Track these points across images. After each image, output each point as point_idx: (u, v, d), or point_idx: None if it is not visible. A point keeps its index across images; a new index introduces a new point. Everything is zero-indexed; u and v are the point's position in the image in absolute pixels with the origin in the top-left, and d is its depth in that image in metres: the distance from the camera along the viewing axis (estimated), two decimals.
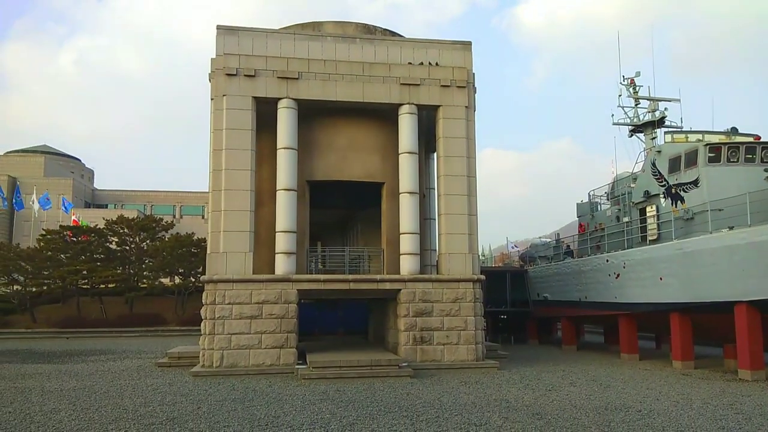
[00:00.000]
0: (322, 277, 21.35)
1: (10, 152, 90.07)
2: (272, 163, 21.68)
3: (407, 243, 21.64)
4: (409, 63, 22.59)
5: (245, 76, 21.29)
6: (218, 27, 22.02)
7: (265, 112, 21.70)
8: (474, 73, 23.19)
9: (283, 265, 20.78)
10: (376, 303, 25.56)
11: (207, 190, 22.47)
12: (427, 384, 17.17)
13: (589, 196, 32.42)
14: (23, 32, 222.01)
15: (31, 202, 69.64)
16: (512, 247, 50.43)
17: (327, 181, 22.78)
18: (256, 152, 21.40)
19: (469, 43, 23.46)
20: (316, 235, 25.24)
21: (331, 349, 22.45)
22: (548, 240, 39.91)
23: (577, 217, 33.16)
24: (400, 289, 21.16)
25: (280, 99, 21.50)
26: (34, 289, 44.62)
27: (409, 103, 22.14)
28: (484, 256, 48.86)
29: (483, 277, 22.29)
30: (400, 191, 21.99)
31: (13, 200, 73.57)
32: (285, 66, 21.56)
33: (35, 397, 15.08)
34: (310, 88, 21.66)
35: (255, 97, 21.40)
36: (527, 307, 33.49)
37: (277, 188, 21.25)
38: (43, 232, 48.26)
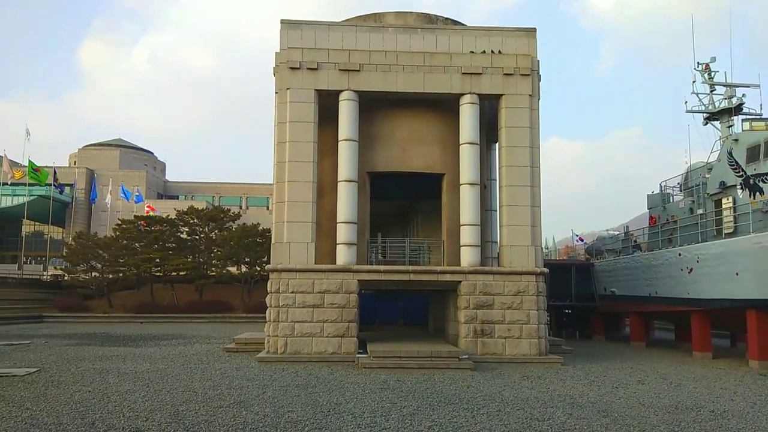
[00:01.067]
0: (382, 267, 21.48)
1: (88, 146, 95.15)
2: (333, 154, 21.94)
3: (468, 234, 21.44)
4: (471, 52, 22.27)
5: (308, 69, 21.60)
6: (282, 21, 22.41)
7: (326, 104, 21.97)
8: (538, 61, 22.60)
9: (344, 255, 21.05)
10: (436, 294, 25.50)
11: (271, 182, 23.03)
12: (488, 377, 17.01)
13: (661, 187, 31.12)
14: (100, 31, 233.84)
15: (108, 194, 73.50)
16: (577, 240, 49.09)
17: (387, 172, 22.84)
18: (318, 144, 21.71)
19: (534, 30, 22.87)
20: (376, 226, 25.39)
21: (391, 340, 22.59)
22: (616, 232, 38.61)
23: (648, 209, 31.88)
24: (461, 281, 21.02)
25: (341, 91, 21.70)
26: (110, 276, 47.16)
27: (470, 93, 21.85)
28: (547, 248, 47.79)
29: (546, 270, 21.81)
30: (461, 182, 21.78)
31: (93, 193, 77.68)
32: (347, 58, 21.73)
33: (112, 378, 15.96)
34: (371, 79, 21.75)
35: (317, 90, 21.69)
36: (593, 301, 32.57)
37: (339, 179, 21.50)
38: (119, 222, 50.84)
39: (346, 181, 21.39)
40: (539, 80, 22.66)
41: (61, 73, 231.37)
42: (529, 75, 22.07)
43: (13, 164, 58.64)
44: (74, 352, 22.22)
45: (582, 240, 48.96)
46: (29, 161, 60.63)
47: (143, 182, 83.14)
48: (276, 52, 22.24)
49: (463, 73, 21.81)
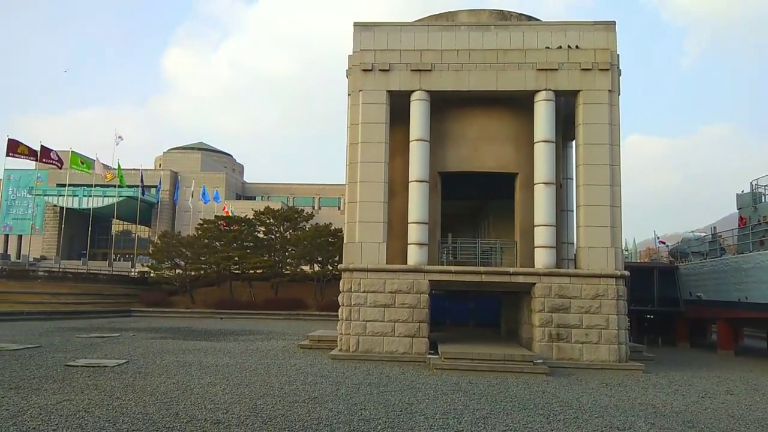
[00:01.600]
0: (453, 268, 21.31)
1: (172, 149, 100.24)
2: (405, 154, 21.99)
3: (542, 235, 20.90)
4: (547, 47, 21.69)
5: (380, 70, 21.76)
6: (355, 24, 22.68)
7: (398, 104, 22.05)
8: (618, 55, 21.72)
9: (415, 255, 21.04)
10: (509, 296, 25.02)
11: (342, 183, 23.36)
12: (564, 383, 16.50)
13: (752, 186, 29.12)
14: (183, 38, 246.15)
15: (190, 195, 77.11)
16: (660, 243, 46.86)
17: (459, 172, 22.64)
18: (390, 144, 21.82)
19: (613, 23, 21.99)
20: (447, 227, 25.19)
21: (463, 341, 22.37)
22: (702, 234, 36.52)
23: (737, 209, 29.95)
24: (535, 283, 20.52)
25: (413, 91, 21.71)
26: (192, 273, 49.38)
27: (546, 89, 21.30)
28: (627, 250, 45.89)
29: (627, 273, 20.89)
30: (535, 182, 21.26)
31: (175, 194, 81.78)
32: (418, 58, 21.72)
33: (194, 371, 16.68)
34: (443, 78, 21.63)
35: (389, 91, 21.80)
36: (677, 306, 30.98)
37: (410, 180, 21.51)
38: (201, 222, 53.17)
39: (417, 181, 21.38)
40: (619, 75, 21.78)
41: (148, 80, 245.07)
42: (608, 70, 21.25)
43: (105, 167, 62.62)
44: (159, 345, 23.42)
45: (664, 242, 46.72)
46: (118, 164, 64.53)
47: (223, 184, 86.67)
48: (349, 55, 22.53)
49: (538, 70, 21.30)
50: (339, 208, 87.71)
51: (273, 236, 50.94)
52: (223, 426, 10.38)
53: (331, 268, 46.25)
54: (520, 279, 20.79)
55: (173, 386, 14.04)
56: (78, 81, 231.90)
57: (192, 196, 76.77)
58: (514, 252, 22.17)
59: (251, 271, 49.27)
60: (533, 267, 20.87)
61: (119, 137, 72.47)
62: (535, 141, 21.44)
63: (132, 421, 10.44)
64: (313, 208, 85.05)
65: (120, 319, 39.62)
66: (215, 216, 56.05)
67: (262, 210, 52.30)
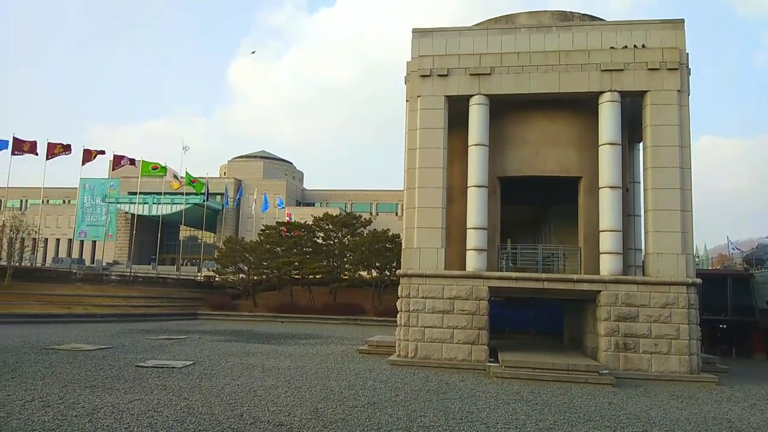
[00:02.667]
0: (513, 275, 20.90)
1: (236, 158, 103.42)
2: (463, 159, 21.80)
3: (608, 241, 20.21)
4: (611, 47, 21.04)
5: (438, 75, 21.70)
6: (414, 30, 22.72)
7: (456, 109, 21.90)
8: (688, 53, 20.82)
9: (473, 261, 20.79)
10: (572, 304, 24.32)
11: (399, 189, 23.39)
12: (632, 395, 15.86)
13: None
14: (248, 49, 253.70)
15: (253, 202, 79.40)
16: (733, 249, 44.46)
17: (519, 176, 22.23)
18: (448, 149, 21.69)
19: (681, 21, 21.10)
20: (506, 232, 24.81)
21: (524, 349, 21.90)
22: None
23: None
24: (600, 291, 19.85)
25: (471, 96, 21.53)
26: (255, 278, 50.61)
27: (611, 91, 20.65)
28: (698, 257, 43.80)
29: (699, 280, 19.91)
30: (600, 185, 20.60)
31: (237, 200, 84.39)
32: (477, 62, 21.52)
33: (257, 373, 17.05)
34: (503, 82, 21.34)
35: (447, 96, 21.69)
36: (753, 315, 29.29)
37: (468, 185, 21.30)
38: (263, 228, 54.48)
39: (476, 186, 21.14)
40: (688, 74, 20.86)
41: (214, 92, 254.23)
42: (677, 69, 20.40)
43: (175, 176, 65.43)
44: (224, 347, 24.09)
45: (737, 249, 44.31)
46: (186, 173, 67.14)
47: (283, 191, 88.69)
48: (407, 61, 22.58)
49: (602, 71, 20.69)
50: (396, 214, 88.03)
51: (331, 242, 51.55)
52: (285, 428, 10.54)
53: (388, 273, 46.37)
54: (585, 286, 20.16)
55: (237, 388, 14.39)
56: (149, 94, 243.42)
57: (254, 202, 78.96)
58: (578, 258, 21.54)
59: (310, 276, 50.01)
60: (598, 274, 20.21)
61: (185, 147, 75.95)
62: (600, 144, 20.80)
63: (198, 422, 10.76)
64: (371, 213, 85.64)
65: (187, 321, 41.07)
66: (276, 222, 57.33)
67: (320, 216, 53.10)
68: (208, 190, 73.57)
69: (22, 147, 49.86)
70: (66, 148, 53.46)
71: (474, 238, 20.89)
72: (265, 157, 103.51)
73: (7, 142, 49.01)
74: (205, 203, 76.08)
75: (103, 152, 57.75)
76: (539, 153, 21.86)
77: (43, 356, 18.85)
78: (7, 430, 9.70)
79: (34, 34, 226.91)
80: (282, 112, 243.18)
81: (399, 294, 21.42)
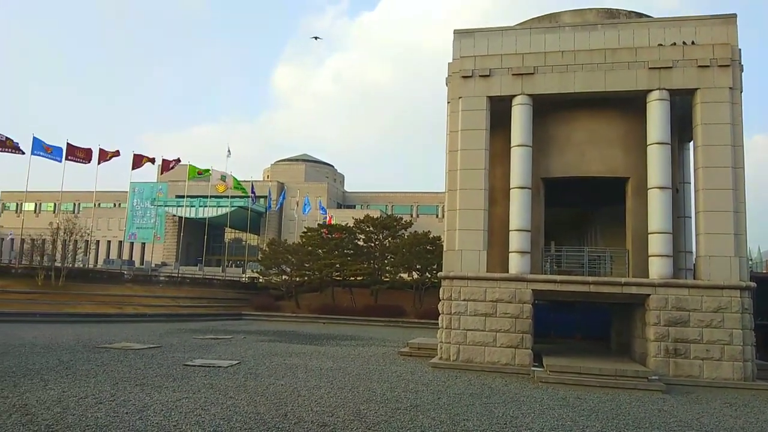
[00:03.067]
0: (558, 278, 20.52)
1: (279, 161, 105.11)
2: (505, 161, 21.54)
3: (657, 243, 19.63)
4: (659, 45, 20.45)
5: (480, 76, 21.52)
6: (455, 31, 22.61)
7: (498, 110, 21.68)
8: (740, 50, 20.06)
9: (516, 264, 20.51)
10: (619, 308, 23.72)
11: (440, 191, 23.44)
12: (683, 402, 15.35)
13: None
14: (291, 55, 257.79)
15: (295, 204, 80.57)
16: None
17: (563, 177, 21.84)
18: (490, 151, 21.48)
19: (733, 16, 20.35)
20: (550, 234, 24.35)
21: (569, 354, 21.46)
22: None
23: None
24: (649, 294, 19.30)
25: (514, 96, 21.27)
26: (297, 279, 51.21)
27: (659, 89, 20.07)
28: (752, 259, 42.07)
29: (753, 284, 19.14)
30: (649, 186, 20.04)
31: (280, 203, 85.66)
32: (520, 62, 21.25)
33: (300, 373, 17.24)
34: (546, 81, 21.01)
35: (489, 97, 21.49)
36: None
37: (511, 186, 21.04)
38: (305, 230, 55.14)
39: (519, 187, 20.87)
40: (741, 71, 20.09)
41: (259, 97, 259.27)
42: (728, 66, 19.68)
43: (222, 178, 66.89)
44: (268, 347, 24.46)
45: None
46: (233, 177, 68.60)
47: (325, 193, 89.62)
48: (449, 63, 22.49)
49: (650, 68, 20.13)
50: (437, 216, 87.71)
51: (372, 244, 51.73)
52: (329, 429, 10.62)
53: (429, 275, 46.17)
54: (633, 290, 19.64)
55: (282, 388, 14.59)
56: (195, 100, 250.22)
57: (297, 205, 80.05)
58: (626, 261, 21.01)
59: (352, 278, 50.30)
60: (647, 277, 19.66)
61: (228, 151, 77.90)
62: (648, 143, 20.24)
63: (244, 420, 10.95)
64: (411, 216, 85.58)
65: (232, 321, 41.90)
66: (318, 224, 57.95)
67: (361, 218, 53.35)
68: (254, 192, 74.98)
69: (75, 153, 51.87)
70: (116, 153, 55.42)
71: (517, 240, 20.62)
72: (306, 160, 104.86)
73: (61, 149, 51.02)
74: (250, 206, 77.53)
75: (153, 160, 59.36)
76: (584, 153, 21.42)
77: (95, 354, 19.54)
78: (64, 425, 10.09)
79: (103, 44, 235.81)
80: (324, 116, 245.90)
81: (440, 296, 21.32)
